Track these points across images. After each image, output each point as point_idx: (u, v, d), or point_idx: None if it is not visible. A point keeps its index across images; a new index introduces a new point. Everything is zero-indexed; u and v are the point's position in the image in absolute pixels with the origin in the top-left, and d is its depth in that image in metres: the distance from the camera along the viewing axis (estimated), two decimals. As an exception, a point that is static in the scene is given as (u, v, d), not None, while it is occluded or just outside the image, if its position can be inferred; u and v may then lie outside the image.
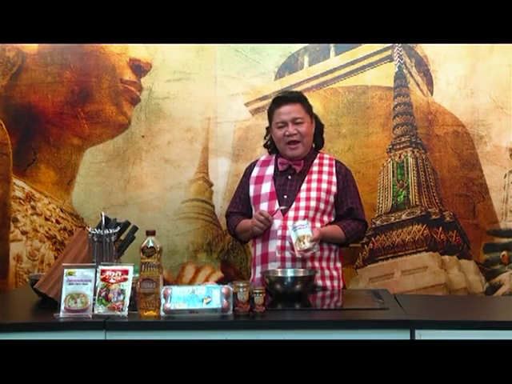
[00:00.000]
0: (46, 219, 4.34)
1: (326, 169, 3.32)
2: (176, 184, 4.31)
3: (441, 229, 4.20)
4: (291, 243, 3.08)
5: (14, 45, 4.31)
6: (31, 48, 4.32)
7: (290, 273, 3.09)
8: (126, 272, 2.66)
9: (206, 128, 4.29)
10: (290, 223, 3.14)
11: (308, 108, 3.32)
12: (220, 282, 3.88)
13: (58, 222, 4.34)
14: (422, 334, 2.49)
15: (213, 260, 4.32)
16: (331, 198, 3.27)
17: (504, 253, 4.18)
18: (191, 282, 4.26)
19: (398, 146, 4.22)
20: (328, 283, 3.25)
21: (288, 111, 3.25)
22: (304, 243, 3.03)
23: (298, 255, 3.06)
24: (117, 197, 4.32)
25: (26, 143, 4.34)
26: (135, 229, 3.09)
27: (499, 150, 4.17)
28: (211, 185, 4.30)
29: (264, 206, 3.28)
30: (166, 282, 4.17)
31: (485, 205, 4.19)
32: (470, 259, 4.21)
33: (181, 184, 4.31)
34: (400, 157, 4.22)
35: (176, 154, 4.30)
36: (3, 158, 4.35)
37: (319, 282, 3.21)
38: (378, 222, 4.23)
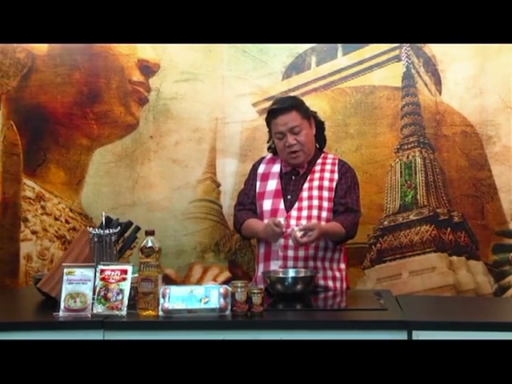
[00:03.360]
0: (56, 219, 4.37)
1: (328, 167, 3.32)
2: (184, 184, 4.32)
3: (449, 229, 4.17)
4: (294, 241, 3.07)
5: (24, 46, 4.34)
6: (41, 49, 4.35)
7: (290, 273, 3.10)
8: (125, 272, 2.69)
9: (214, 128, 4.29)
10: (303, 222, 3.15)
11: (304, 113, 3.28)
12: (227, 282, 3.88)
13: (67, 221, 4.37)
14: (420, 335, 2.49)
15: (220, 260, 4.33)
16: (333, 195, 3.27)
17: (513, 254, 4.16)
18: (199, 282, 4.26)
19: (405, 147, 4.20)
20: (330, 284, 3.25)
21: (284, 122, 3.22)
22: (298, 232, 3.02)
23: (294, 240, 3.04)
24: (125, 197, 4.34)
25: (35, 144, 4.37)
26: (137, 229, 3.10)
27: (508, 150, 4.13)
28: (219, 185, 4.31)
29: (268, 203, 3.29)
30: (174, 282, 4.23)
31: (493, 205, 4.16)
32: (479, 260, 4.17)
33: (188, 184, 4.32)
34: (408, 157, 4.20)
35: (184, 154, 4.31)
36: (14, 159, 4.39)
37: (321, 283, 3.22)
38: (385, 223, 4.21)
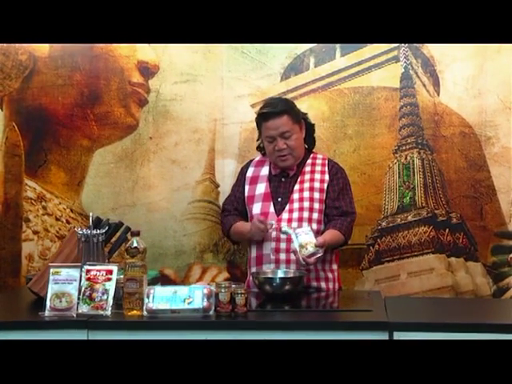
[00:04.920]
0: (57, 219, 4.41)
1: (318, 168, 3.31)
2: (183, 185, 4.34)
3: (447, 230, 4.16)
4: (294, 250, 3.04)
5: (26, 48, 4.38)
6: (42, 51, 4.39)
7: (279, 273, 3.10)
8: (110, 272, 2.71)
9: (213, 129, 4.31)
10: (294, 225, 3.13)
11: (295, 117, 3.26)
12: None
13: (68, 222, 4.41)
14: (401, 336, 2.50)
15: (219, 260, 4.34)
16: (325, 197, 3.27)
17: (512, 255, 4.13)
18: (198, 283, 4.28)
19: (404, 147, 4.19)
20: (323, 285, 3.25)
21: (275, 126, 3.21)
22: (307, 249, 2.99)
23: (302, 262, 3.01)
24: (125, 197, 4.37)
25: (37, 145, 4.41)
26: (128, 229, 3.12)
27: (507, 151, 4.11)
28: (217, 186, 4.33)
29: (258, 207, 3.30)
30: (173, 282, 4.26)
31: (492, 206, 4.13)
32: (478, 261, 4.15)
33: (188, 185, 4.34)
34: (406, 158, 4.19)
35: (183, 155, 4.33)
36: (15, 160, 4.43)
37: (314, 284, 3.23)
38: (383, 224, 4.20)
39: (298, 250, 3.00)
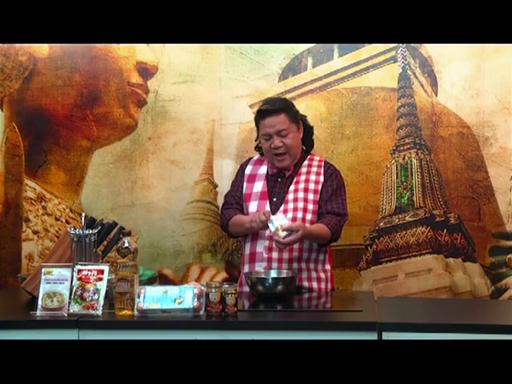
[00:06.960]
0: (57, 219, 4.44)
1: (314, 169, 3.32)
2: (181, 185, 4.36)
3: (445, 231, 4.15)
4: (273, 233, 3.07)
5: (26, 49, 4.41)
6: (42, 52, 4.41)
7: (271, 274, 3.11)
8: (101, 272, 2.72)
9: (211, 130, 4.32)
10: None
11: (293, 116, 3.28)
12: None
13: (67, 222, 4.43)
14: (390, 336, 2.50)
15: (217, 261, 4.36)
16: (318, 198, 3.27)
17: (510, 256, 4.11)
18: (196, 283, 4.29)
19: (401, 148, 4.19)
20: (315, 285, 3.26)
21: (272, 124, 3.23)
22: (281, 232, 3.02)
23: (280, 246, 3.06)
24: (124, 197, 4.39)
25: (37, 145, 4.44)
26: (121, 229, 3.13)
27: (505, 151, 4.10)
28: (216, 186, 4.34)
29: (254, 205, 3.31)
30: (172, 282, 4.27)
31: (490, 207, 4.13)
32: (475, 262, 4.15)
33: (186, 185, 4.36)
34: (404, 158, 4.18)
35: (181, 155, 4.35)
36: (16, 160, 4.46)
37: (305, 284, 3.23)
38: (381, 224, 4.20)
39: (273, 234, 3.05)
